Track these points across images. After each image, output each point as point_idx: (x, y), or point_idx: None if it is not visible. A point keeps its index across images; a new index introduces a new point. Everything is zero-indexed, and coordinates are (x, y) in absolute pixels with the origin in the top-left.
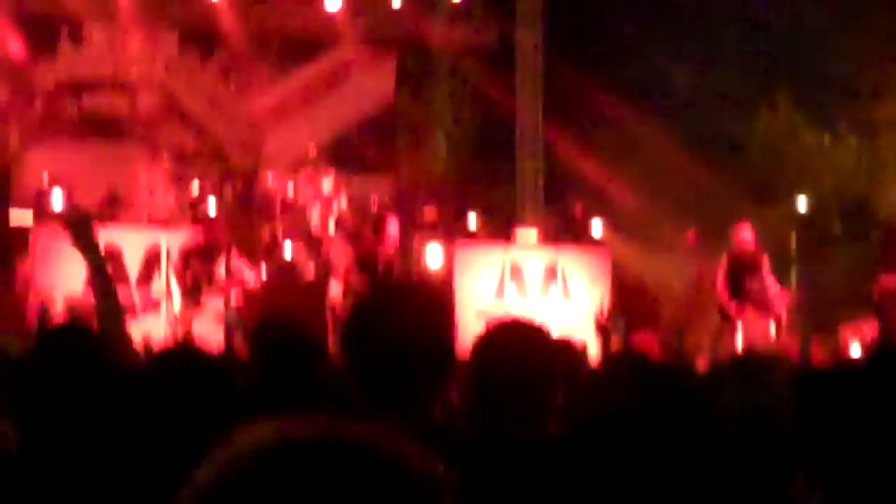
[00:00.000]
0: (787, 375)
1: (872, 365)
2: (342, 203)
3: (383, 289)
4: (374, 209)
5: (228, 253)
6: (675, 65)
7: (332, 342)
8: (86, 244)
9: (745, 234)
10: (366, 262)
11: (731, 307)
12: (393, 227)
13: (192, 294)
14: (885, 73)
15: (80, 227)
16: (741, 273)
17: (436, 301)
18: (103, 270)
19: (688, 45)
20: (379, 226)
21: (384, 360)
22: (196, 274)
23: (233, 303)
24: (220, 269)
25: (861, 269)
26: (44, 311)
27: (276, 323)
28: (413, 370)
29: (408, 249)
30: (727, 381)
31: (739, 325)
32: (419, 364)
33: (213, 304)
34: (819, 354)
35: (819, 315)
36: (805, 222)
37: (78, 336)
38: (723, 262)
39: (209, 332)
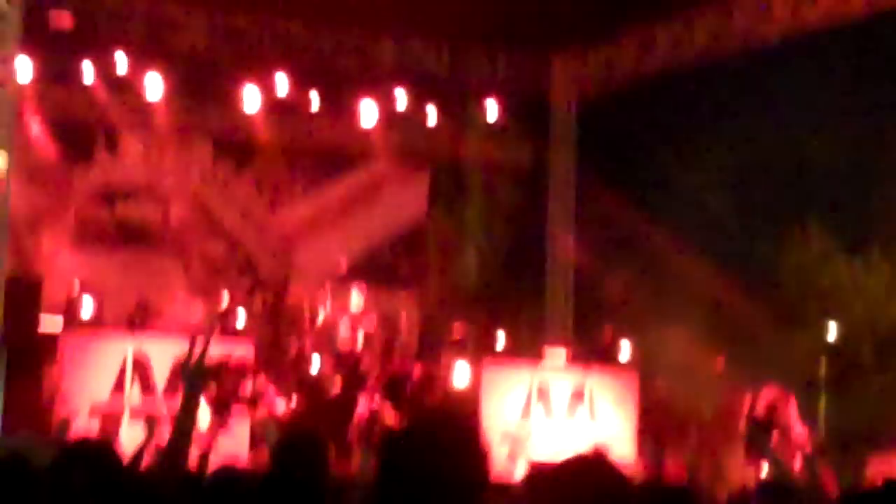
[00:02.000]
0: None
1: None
2: (371, 318)
3: (420, 421)
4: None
5: (256, 375)
6: (706, 188)
7: (357, 458)
8: (191, 392)
9: (769, 392)
10: (394, 380)
11: (757, 441)
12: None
13: (220, 412)
14: None
15: (195, 379)
16: (768, 409)
17: (472, 434)
18: (193, 412)
19: (719, 168)
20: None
21: (420, 492)
22: (224, 392)
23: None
24: (248, 389)
25: (892, 400)
26: (64, 424)
27: (298, 443)
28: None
29: (436, 366)
30: None
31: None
32: (454, 496)
33: (240, 422)
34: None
35: (848, 445)
36: (835, 350)
37: (97, 453)
38: (749, 399)
39: (235, 448)
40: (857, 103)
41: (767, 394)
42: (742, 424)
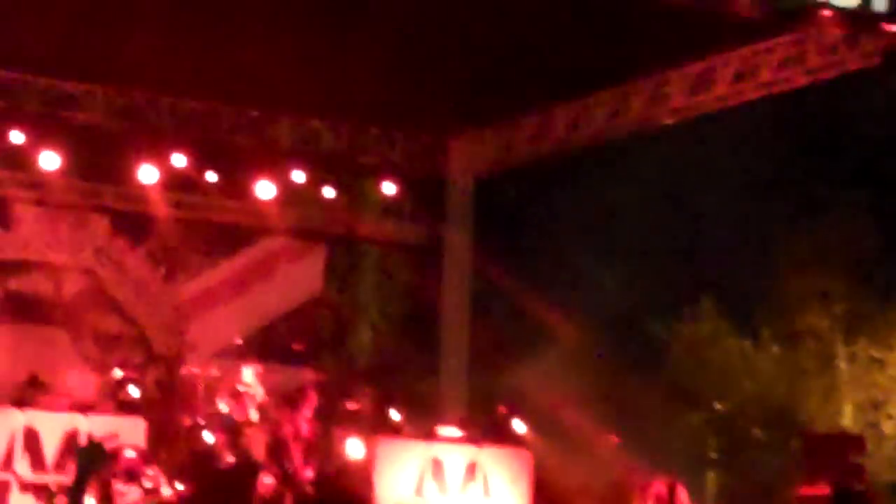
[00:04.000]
0: None
1: None
2: (264, 394)
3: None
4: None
5: (147, 464)
6: (601, 268)
7: None
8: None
9: (659, 487)
10: (280, 454)
11: None
12: (313, 401)
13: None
14: (806, 285)
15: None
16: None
17: None
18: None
19: (615, 248)
20: (297, 402)
21: None
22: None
23: None
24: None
25: (781, 477)
26: None
27: None
28: None
29: (330, 443)
30: None
31: None
32: None
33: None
34: None
35: None
36: (725, 427)
37: None
38: (640, 498)
39: None
40: (752, 186)
41: (658, 488)
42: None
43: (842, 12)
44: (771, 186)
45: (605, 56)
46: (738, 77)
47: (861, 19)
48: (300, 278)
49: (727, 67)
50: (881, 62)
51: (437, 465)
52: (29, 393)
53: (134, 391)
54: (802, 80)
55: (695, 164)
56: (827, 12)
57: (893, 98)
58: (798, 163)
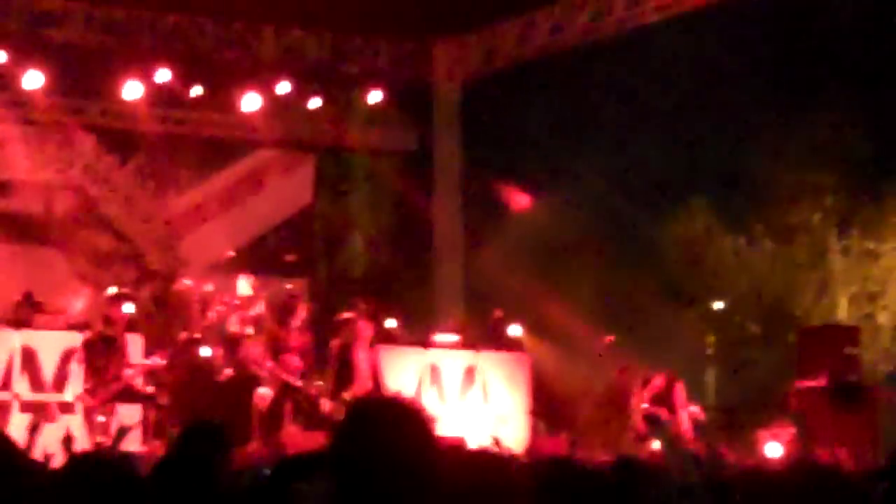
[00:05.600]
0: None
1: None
2: (260, 306)
3: (368, 412)
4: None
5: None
6: (591, 168)
7: (257, 442)
8: None
9: (657, 382)
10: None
11: (646, 434)
12: (303, 312)
13: (95, 382)
14: (799, 178)
15: None
16: (657, 401)
17: (421, 423)
18: None
19: (604, 149)
20: (288, 310)
21: (375, 482)
22: (98, 364)
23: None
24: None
25: (778, 371)
26: None
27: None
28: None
29: (327, 354)
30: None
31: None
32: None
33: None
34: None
35: (736, 415)
36: (722, 324)
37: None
38: (640, 392)
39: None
40: (742, 81)
41: (655, 384)
42: (634, 403)
43: None
44: (760, 81)
45: None
46: None
47: None
48: (290, 190)
49: None
50: None
51: (434, 371)
52: (24, 313)
53: (129, 307)
54: None
55: (683, 60)
56: None
57: None
58: (787, 56)
